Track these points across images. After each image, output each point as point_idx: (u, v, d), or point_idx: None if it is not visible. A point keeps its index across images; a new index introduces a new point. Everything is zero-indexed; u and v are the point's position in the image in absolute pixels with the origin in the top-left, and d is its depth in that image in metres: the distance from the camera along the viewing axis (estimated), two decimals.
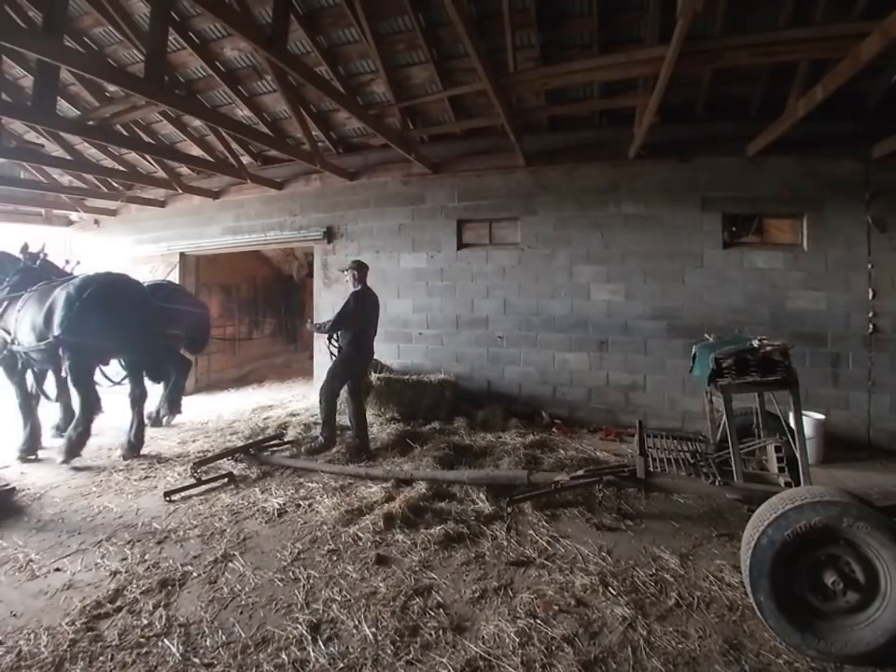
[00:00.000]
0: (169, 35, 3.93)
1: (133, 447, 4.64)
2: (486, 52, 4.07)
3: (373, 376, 5.82)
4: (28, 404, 4.76)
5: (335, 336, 4.77)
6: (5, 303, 4.84)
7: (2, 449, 4.74)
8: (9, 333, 4.59)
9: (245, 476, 4.09)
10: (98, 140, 5.55)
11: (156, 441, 5.10)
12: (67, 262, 5.56)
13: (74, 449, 4.41)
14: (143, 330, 4.62)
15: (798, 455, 2.73)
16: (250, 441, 4.77)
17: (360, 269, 4.78)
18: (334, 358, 4.74)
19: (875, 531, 2.00)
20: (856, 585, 2.06)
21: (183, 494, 3.72)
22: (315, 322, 4.85)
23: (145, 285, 5.24)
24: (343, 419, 5.04)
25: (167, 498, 3.63)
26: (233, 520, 3.33)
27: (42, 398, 4.90)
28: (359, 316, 4.63)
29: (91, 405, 4.44)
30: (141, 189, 8.10)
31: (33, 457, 4.57)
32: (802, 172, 5.02)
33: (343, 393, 4.78)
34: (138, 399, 4.80)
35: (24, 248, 5.27)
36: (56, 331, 4.19)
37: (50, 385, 5.03)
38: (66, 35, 4.43)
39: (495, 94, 4.22)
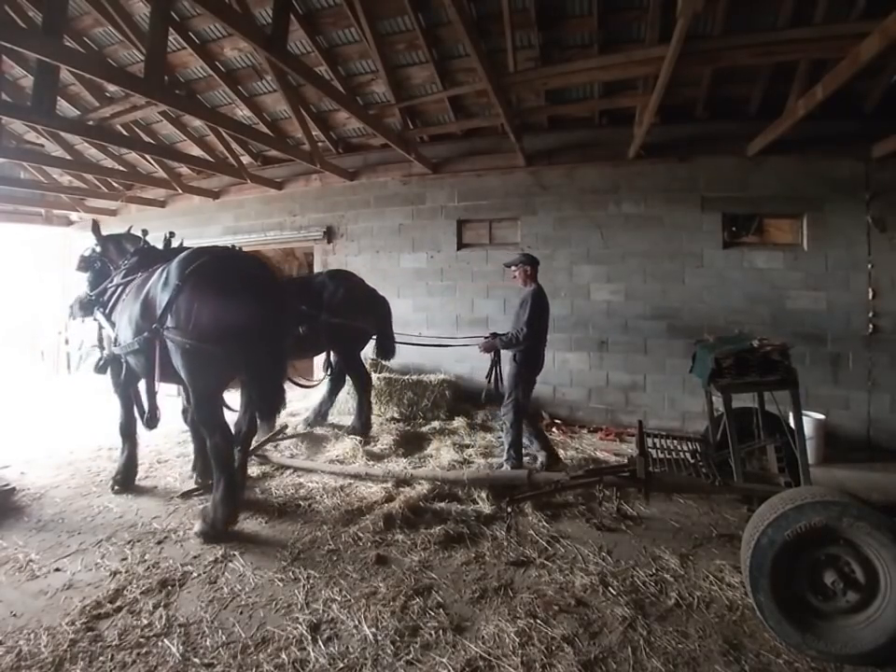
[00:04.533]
0: (169, 35, 3.93)
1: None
2: (486, 52, 4.07)
3: (374, 376, 5.82)
4: (131, 425, 3.86)
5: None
6: (118, 290, 3.79)
7: (3, 449, 4.74)
8: (114, 329, 3.57)
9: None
10: (98, 140, 5.54)
11: (155, 439, 5.09)
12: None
13: (218, 518, 3.02)
14: (271, 332, 3.07)
15: (798, 455, 2.73)
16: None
17: (533, 264, 4.10)
18: (516, 368, 4.01)
19: (875, 531, 2.00)
20: (856, 585, 2.06)
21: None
22: (499, 336, 3.99)
23: (324, 272, 4.87)
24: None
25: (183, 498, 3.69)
26: None
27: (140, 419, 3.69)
28: (545, 318, 4.04)
29: (224, 448, 3.04)
30: (141, 188, 8.10)
31: (129, 492, 3.77)
32: (802, 172, 5.02)
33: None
34: (242, 437, 3.47)
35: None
36: (155, 322, 3.00)
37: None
38: (66, 34, 4.45)
39: (495, 94, 4.22)
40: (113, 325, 3.60)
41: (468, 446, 4.67)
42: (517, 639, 2.17)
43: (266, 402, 3.12)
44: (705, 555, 2.87)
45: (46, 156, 6.70)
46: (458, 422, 5.38)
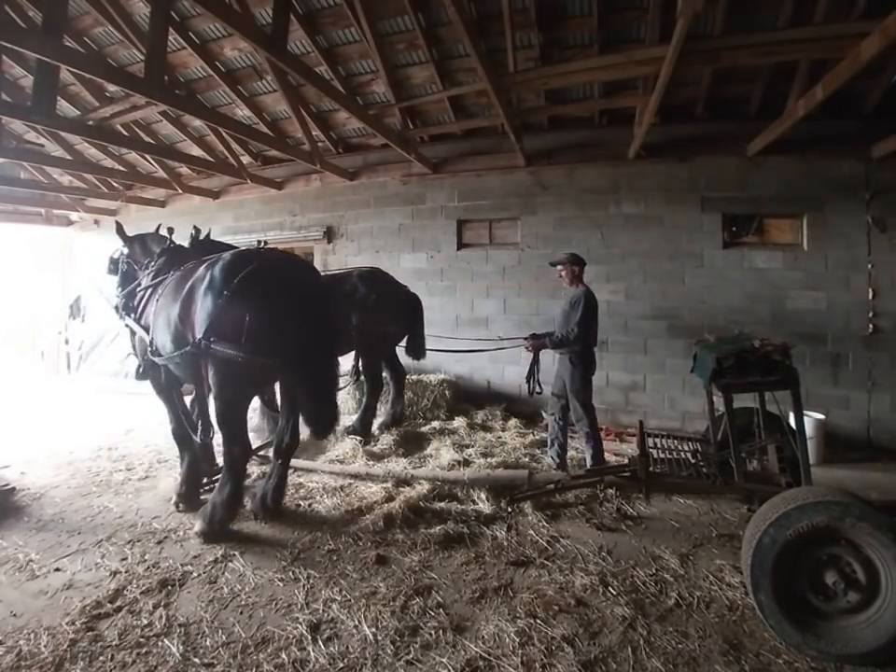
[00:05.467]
0: (169, 35, 3.93)
1: (265, 507, 3.24)
2: (486, 52, 4.08)
3: None
4: (183, 428, 3.54)
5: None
6: (147, 293, 3.58)
7: (3, 449, 4.74)
8: (148, 333, 3.34)
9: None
10: (98, 140, 5.55)
11: (155, 439, 5.09)
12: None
13: (216, 520, 2.99)
14: (320, 341, 2.94)
15: (799, 455, 2.73)
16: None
17: (581, 264, 4.06)
18: (573, 371, 3.93)
19: (877, 531, 2.00)
20: (857, 585, 2.06)
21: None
22: (549, 336, 3.95)
23: (353, 274, 4.74)
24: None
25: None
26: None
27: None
28: (596, 318, 3.98)
29: (240, 459, 3.04)
30: (141, 188, 8.10)
31: (194, 508, 3.39)
32: (802, 172, 5.02)
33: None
34: (285, 448, 3.31)
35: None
36: (198, 334, 2.81)
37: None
38: (66, 34, 4.44)
39: (495, 94, 4.22)
40: (146, 329, 3.38)
41: (468, 446, 4.66)
42: (517, 639, 2.17)
43: (321, 417, 2.95)
44: (705, 555, 2.87)
45: (46, 156, 6.70)
46: (458, 422, 5.37)
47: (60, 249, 9.59)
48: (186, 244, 4.10)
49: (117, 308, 3.91)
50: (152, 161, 7.08)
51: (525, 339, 4.14)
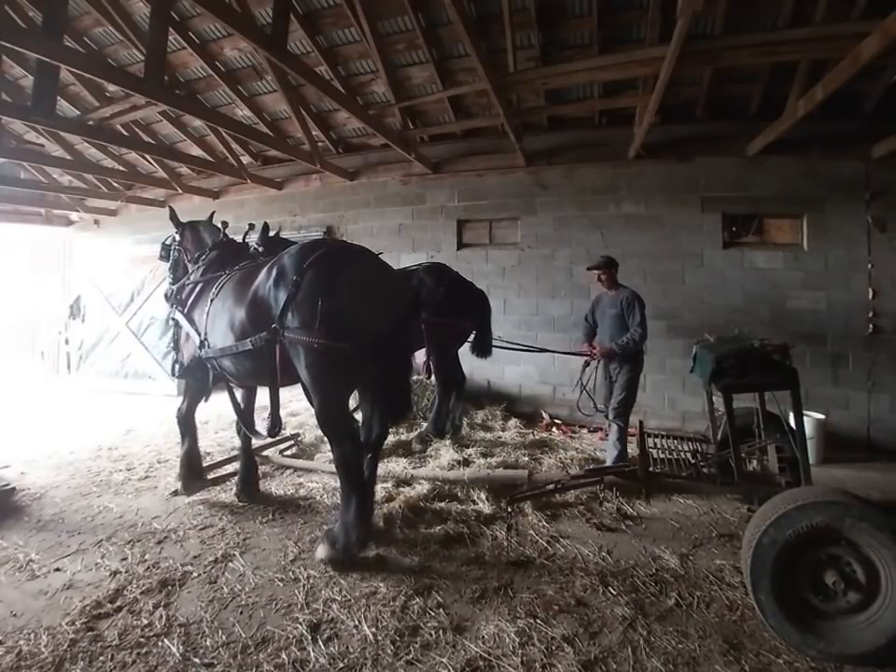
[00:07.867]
0: (169, 35, 3.93)
1: (356, 542, 2.73)
2: (486, 52, 4.08)
3: None
4: (193, 436, 3.67)
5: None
6: (197, 287, 3.50)
7: (3, 449, 4.74)
8: (199, 332, 3.23)
9: None
10: (98, 140, 5.55)
11: (155, 440, 5.10)
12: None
13: (351, 543, 2.69)
14: (401, 333, 2.86)
15: (799, 455, 2.73)
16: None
17: (617, 266, 4.16)
18: (623, 368, 3.93)
19: (877, 531, 2.00)
20: (857, 585, 2.06)
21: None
22: (615, 343, 3.92)
23: (419, 267, 4.72)
24: None
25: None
26: (233, 520, 3.33)
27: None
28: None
29: (354, 459, 2.75)
30: (141, 188, 8.11)
31: (193, 491, 3.58)
32: (802, 172, 5.02)
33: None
34: (374, 441, 2.99)
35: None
36: (271, 322, 2.70)
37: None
38: (66, 34, 4.44)
39: (495, 94, 4.22)
40: (195, 326, 3.29)
41: (468, 446, 4.66)
42: (517, 639, 2.16)
43: (395, 403, 2.89)
44: (705, 555, 2.87)
45: (46, 156, 6.71)
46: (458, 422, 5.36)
47: (60, 249, 9.58)
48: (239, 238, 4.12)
49: (166, 296, 3.85)
50: (152, 161, 7.08)
51: (589, 351, 4.04)
